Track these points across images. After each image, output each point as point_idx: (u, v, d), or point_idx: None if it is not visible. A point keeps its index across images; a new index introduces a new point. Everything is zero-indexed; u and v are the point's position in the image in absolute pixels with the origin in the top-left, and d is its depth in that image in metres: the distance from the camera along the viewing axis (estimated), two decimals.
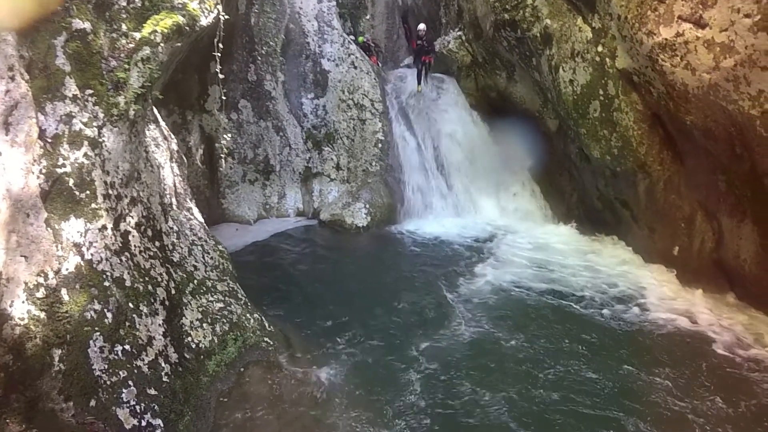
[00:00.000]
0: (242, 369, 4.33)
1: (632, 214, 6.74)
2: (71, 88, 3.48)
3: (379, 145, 8.86)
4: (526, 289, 6.13)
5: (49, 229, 3.22)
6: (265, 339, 4.60)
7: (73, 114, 3.46)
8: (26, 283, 3.08)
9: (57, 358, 3.10)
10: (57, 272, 3.21)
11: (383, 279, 6.39)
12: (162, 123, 5.06)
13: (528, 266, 6.67)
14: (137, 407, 3.43)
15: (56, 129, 3.35)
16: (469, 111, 9.62)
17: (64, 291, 3.23)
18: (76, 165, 3.42)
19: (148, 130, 4.57)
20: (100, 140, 3.63)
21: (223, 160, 7.44)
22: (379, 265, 6.77)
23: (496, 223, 8.12)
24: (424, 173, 8.94)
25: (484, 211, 8.59)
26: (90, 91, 3.60)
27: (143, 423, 3.41)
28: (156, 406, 3.54)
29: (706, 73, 4.95)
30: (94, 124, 3.58)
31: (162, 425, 3.51)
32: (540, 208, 8.34)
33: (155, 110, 4.90)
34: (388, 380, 4.55)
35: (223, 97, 7.15)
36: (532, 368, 4.75)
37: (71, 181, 3.39)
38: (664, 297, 5.78)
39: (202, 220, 5.19)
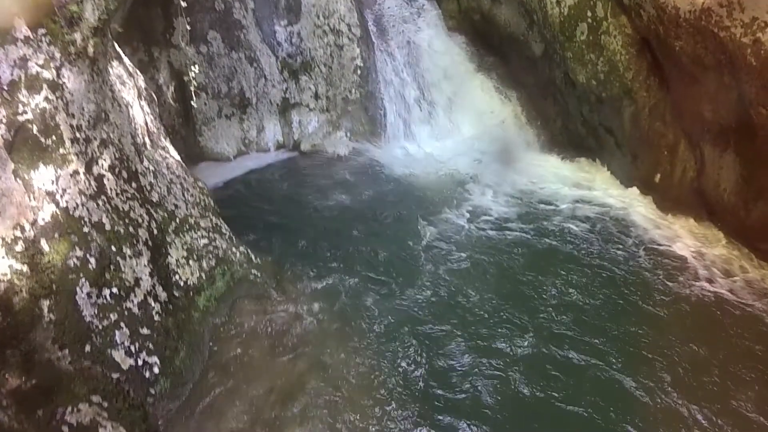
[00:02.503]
0: (233, 303, 4.43)
1: (616, 140, 6.72)
2: (21, 29, 3.30)
3: (358, 72, 8.58)
4: (506, 209, 6.22)
5: (18, 180, 3.15)
6: (253, 271, 4.67)
7: (28, 57, 3.29)
8: (3, 238, 3.05)
9: (46, 309, 3.13)
10: (33, 223, 3.18)
11: (365, 207, 6.44)
12: (126, 60, 4.85)
13: (509, 189, 6.72)
14: (132, 347, 3.51)
15: (11, 75, 3.20)
16: (450, 35, 9.27)
17: (43, 241, 3.21)
18: (38, 111, 3.30)
19: (112, 67, 4.38)
20: (60, 82, 3.48)
21: (195, 95, 7.17)
22: (361, 194, 6.78)
23: (478, 146, 8.06)
24: (405, 99, 8.74)
25: (468, 136, 8.49)
26: (43, 31, 3.41)
27: (139, 362, 3.51)
28: (150, 345, 3.63)
29: None
30: (52, 65, 3.42)
31: (158, 362, 3.61)
32: (524, 133, 8.26)
33: (117, 47, 4.68)
34: (377, 310, 4.66)
35: (188, 28, 6.81)
36: (518, 290, 4.93)
37: (35, 128, 3.29)
38: (644, 222, 5.93)
39: (179, 158, 5.10)
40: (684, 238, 5.61)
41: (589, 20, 6.52)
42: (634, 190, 6.48)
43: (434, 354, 4.25)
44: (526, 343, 4.33)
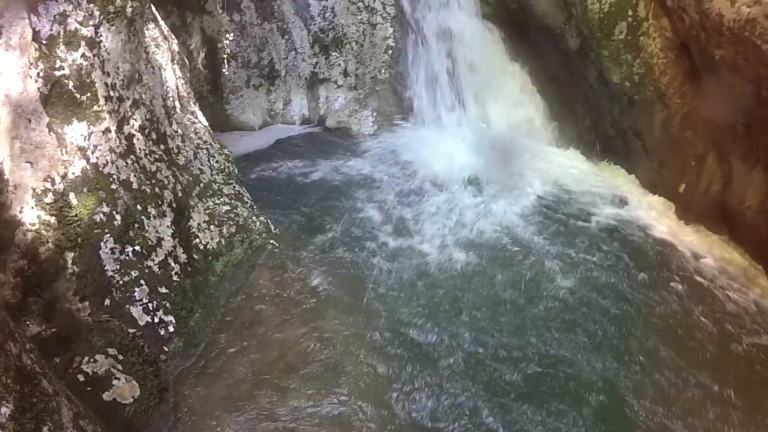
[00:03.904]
0: (249, 270, 4.50)
1: (644, 145, 6.59)
2: None
3: (389, 52, 8.51)
4: (522, 206, 6.24)
5: (52, 133, 3.23)
6: (271, 241, 4.73)
7: (68, 13, 3.35)
8: (34, 189, 3.14)
9: (70, 261, 3.23)
10: (63, 177, 3.27)
11: (386, 189, 6.47)
12: (162, 23, 4.90)
13: (529, 185, 6.69)
14: (149, 305, 3.62)
15: (51, 30, 3.26)
16: (485, 22, 9.11)
17: (72, 195, 3.30)
18: (75, 67, 3.37)
19: (147, 29, 4.44)
20: (98, 40, 3.54)
21: (226, 63, 7.19)
22: (383, 176, 6.80)
23: (505, 138, 7.99)
24: (435, 84, 8.65)
25: (495, 127, 8.41)
26: None
27: (156, 319, 3.61)
28: (167, 304, 3.74)
29: (746, 6, 4.68)
30: (90, 23, 3.48)
31: (174, 321, 3.72)
32: (551, 130, 8.15)
33: (153, 9, 4.73)
34: (392, 289, 4.72)
35: None
36: (525, 265, 5.06)
37: (71, 84, 3.36)
38: (663, 231, 5.82)
39: (207, 124, 5.17)
40: (702, 250, 5.50)
41: (630, 19, 6.37)
42: (657, 198, 6.36)
43: (444, 330, 4.32)
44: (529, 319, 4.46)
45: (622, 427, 3.76)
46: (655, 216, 6.07)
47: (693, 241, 5.65)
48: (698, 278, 5.14)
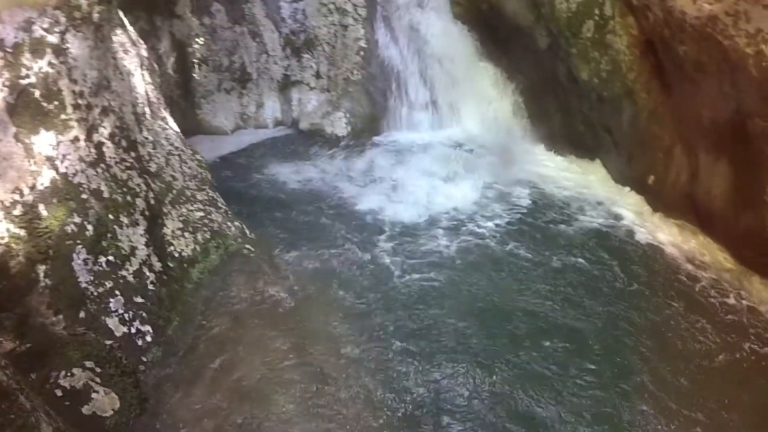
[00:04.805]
0: (226, 276, 4.47)
1: (614, 140, 6.76)
2: None
3: (362, 53, 8.51)
4: (496, 203, 6.32)
5: (19, 143, 3.16)
6: (247, 246, 4.70)
7: (33, 20, 3.28)
8: (2, 202, 3.07)
9: (42, 274, 3.17)
10: (32, 188, 3.20)
11: (360, 191, 6.51)
12: (130, 28, 4.82)
13: (502, 182, 6.79)
14: (126, 315, 3.56)
15: (16, 37, 3.20)
16: (456, 23, 9.19)
17: (41, 206, 3.24)
18: (41, 75, 3.31)
19: (115, 35, 4.37)
20: (64, 47, 3.48)
21: (197, 67, 7.10)
22: (357, 177, 6.84)
23: (478, 138, 8.09)
24: (408, 85, 8.70)
25: (467, 127, 8.49)
26: None
27: (133, 330, 3.56)
28: (144, 314, 3.69)
29: (707, 3, 4.84)
30: (56, 29, 3.42)
31: (151, 331, 3.67)
32: (523, 126, 8.27)
33: (121, 14, 4.65)
34: (370, 290, 4.73)
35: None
36: (497, 280, 5.02)
37: (37, 92, 3.29)
38: (634, 222, 5.98)
39: (178, 130, 5.11)
40: (671, 240, 5.68)
41: (597, 18, 6.51)
42: (628, 190, 6.53)
43: (423, 329, 4.37)
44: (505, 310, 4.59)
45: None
46: (626, 208, 6.24)
47: (663, 231, 5.82)
48: (667, 266, 5.32)
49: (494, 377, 3.98)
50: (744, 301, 4.82)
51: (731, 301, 4.84)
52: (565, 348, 4.28)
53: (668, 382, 4.03)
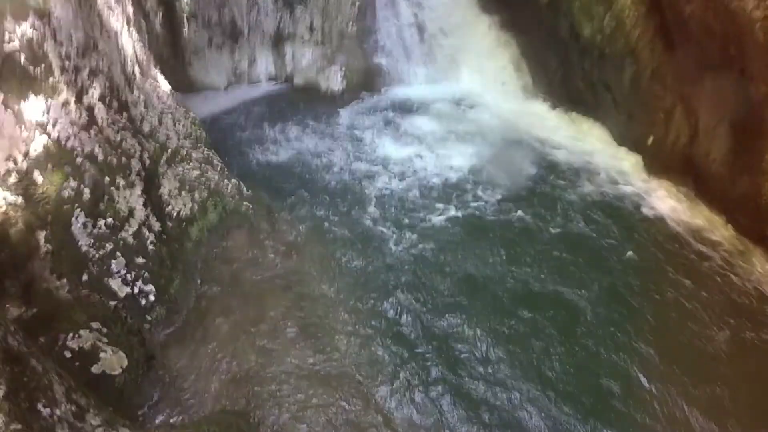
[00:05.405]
0: (225, 234, 4.54)
1: (614, 98, 6.64)
2: None
3: (356, 5, 8.20)
4: (493, 155, 6.29)
5: (8, 110, 3.14)
6: (245, 203, 4.75)
7: None
8: None
9: (42, 240, 3.21)
10: (26, 155, 3.21)
11: (354, 148, 6.49)
12: None
13: (500, 136, 6.72)
14: (128, 276, 3.64)
15: None
16: None
17: (36, 173, 3.25)
18: (25, 39, 3.25)
19: None
20: (48, 9, 3.40)
21: (185, 23, 6.85)
22: (350, 134, 6.79)
23: (477, 93, 7.93)
24: (405, 38, 8.43)
25: (466, 81, 8.30)
26: None
27: (136, 290, 3.64)
28: (146, 273, 3.76)
29: None
30: None
31: (154, 290, 3.75)
32: (524, 82, 8.07)
33: None
34: (364, 247, 4.80)
35: None
36: (494, 226, 5.15)
37: (23, 57, 3.24)
38: (630, 181, 5.96)
39: (170, 88, 5.05)
40: (666, 200, 5.65)
41: None
42: (625, 150, 6.45)
43: (418, 287, 4.46)
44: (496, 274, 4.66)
45: None
46: (623, 167, 6.21)
47: (659, 193, 5.81)
48: (662, 226, 5.34)
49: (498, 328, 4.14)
50: (741, 270, 4.82)
51: (720, 262, 4.91)
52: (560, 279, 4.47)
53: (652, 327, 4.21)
